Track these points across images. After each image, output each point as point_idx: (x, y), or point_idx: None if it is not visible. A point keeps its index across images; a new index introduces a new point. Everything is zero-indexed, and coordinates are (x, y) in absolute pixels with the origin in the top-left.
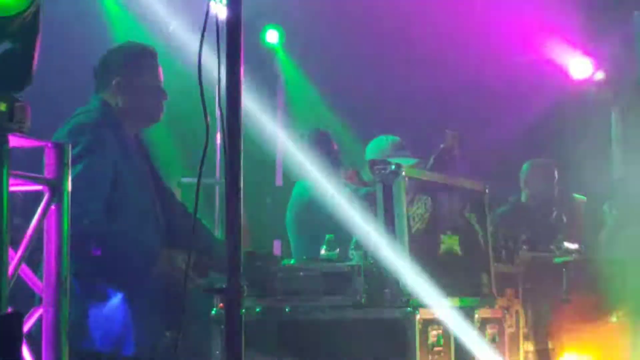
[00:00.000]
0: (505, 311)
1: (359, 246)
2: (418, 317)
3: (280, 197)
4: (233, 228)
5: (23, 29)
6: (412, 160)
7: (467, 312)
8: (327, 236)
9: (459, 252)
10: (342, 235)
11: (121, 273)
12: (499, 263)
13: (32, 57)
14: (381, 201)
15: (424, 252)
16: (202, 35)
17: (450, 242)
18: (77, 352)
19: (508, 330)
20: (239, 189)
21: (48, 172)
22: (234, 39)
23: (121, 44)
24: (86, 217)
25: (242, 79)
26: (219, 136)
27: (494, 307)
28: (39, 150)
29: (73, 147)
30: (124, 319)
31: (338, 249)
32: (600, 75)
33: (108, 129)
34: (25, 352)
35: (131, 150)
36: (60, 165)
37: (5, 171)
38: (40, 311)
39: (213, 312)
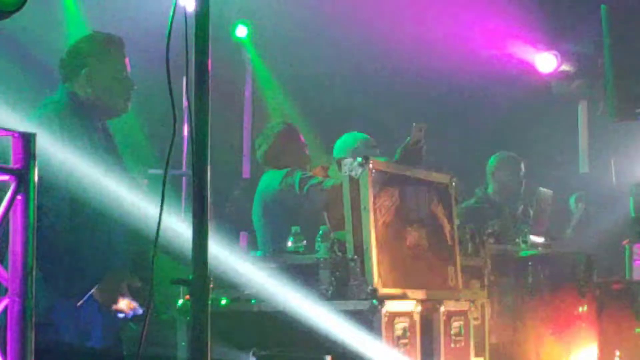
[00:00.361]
0: (471, 304)
1: (325, 238)
2: (384, 309)
3: (247, 189)
4: (199, 220)
5: None
6: (384, 159)
7: (433, 304)
8: (293, 228)
9: (425, 245)
10: (308, 228)
11: (84, 266)
12: (465, 256)
13: None
14: (348, 193)
15: (390, 245)
16: (170, 27)
17: (416, 235)
18: (43, 344)
19: (474, 323)
20: (206, 181)
21: (15, 162)
22: (201, 31)
23: (89, 35)
24: (52, 210)
25: (210, 70)
26: (186, 127)
27: (459, 299)
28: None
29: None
30: (90, 311)
31: (304, 241)
32: (567, 69)
33: (75, 119)
34: None
35: (98, 141)
36: (27, 155)
37: None
38: (5, 301)
39: (179, 304)
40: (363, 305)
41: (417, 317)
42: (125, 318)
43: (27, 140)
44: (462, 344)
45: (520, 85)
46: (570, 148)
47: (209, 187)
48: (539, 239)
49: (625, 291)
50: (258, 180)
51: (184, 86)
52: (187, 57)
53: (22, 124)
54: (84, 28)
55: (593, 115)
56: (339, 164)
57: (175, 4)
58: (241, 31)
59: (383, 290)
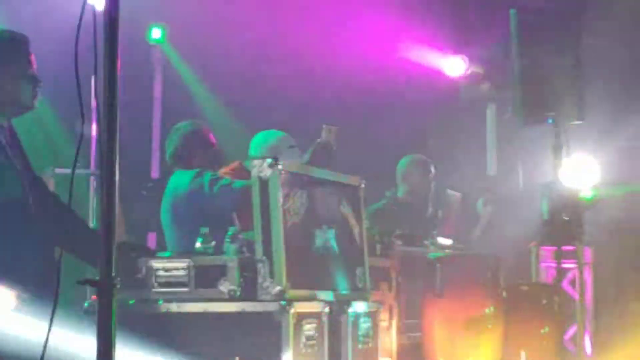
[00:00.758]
0: (379, 305)
1: (234, 240)
2: (292, 310)
3: (155, 189)
4: (107, 219)
5: None
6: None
7: (342, 305)
8: (202, 229)
9: (334, 247)
10: (217, 229)
11: None
12: (373, 257)
13: None
14: (257, 194)
15: (299, 246)
16: (79, 26)
17: (325, 237)
18: None
19: (381, 324)
20: (114, 181)
21: None
22: (111, 30)
23: None
24: None
25: (119, 70)
26: (94, 127)
27: (368, 301)
28: None
29: None
30: None
31: (213, 242)
32: (475, 73)
33: None
34: None
35: (3, 141)
36: None
37: None
38: None
39: (86, 304)
40: (272, 306)
41: (325, 319)
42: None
43: None
44: (370, 345)
45: (430, 88)
46: (479, 150)
47: (117, 186)
48: (447, 241)
49: (531, 293)
50: (167, 181)
51: (92, 85)
52: (97, 56)
53: None
54: None
55: (501, 119)
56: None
57: (85, 2)
58: (156, 33)
59: (291, 292)
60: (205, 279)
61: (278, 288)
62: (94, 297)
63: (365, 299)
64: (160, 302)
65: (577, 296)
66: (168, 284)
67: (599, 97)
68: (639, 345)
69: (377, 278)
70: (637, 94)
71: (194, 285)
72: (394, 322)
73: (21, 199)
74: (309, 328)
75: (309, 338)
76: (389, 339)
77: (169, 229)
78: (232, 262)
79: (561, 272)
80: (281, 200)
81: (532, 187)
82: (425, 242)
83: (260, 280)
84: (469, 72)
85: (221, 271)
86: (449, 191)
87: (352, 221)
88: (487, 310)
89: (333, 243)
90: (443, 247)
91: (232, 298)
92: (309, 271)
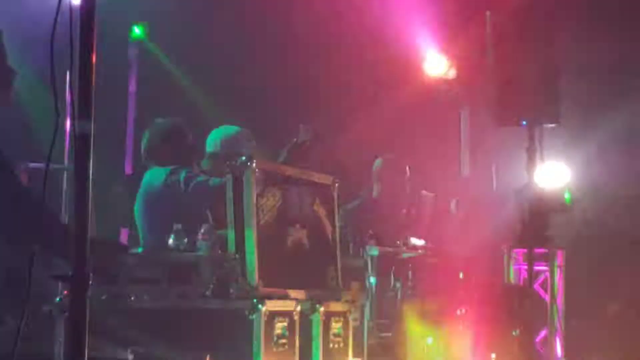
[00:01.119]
0: (351, 305)
1: (207, 237)
2: (264, 308)
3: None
4: (80, 214)
5: None
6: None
7: (313, 304)
8: (175, 226)
9: (307, 245)
10: (191, 225)
11: None
12: (346, 257)
13: None
14: (231, 192)
15: (272, 244)
16: (56, 20)
17: (298, 235)
18: None
19: (353, 324)
20: (87, 176)
21: None
22: (86, 24)
23: None
24: None
25: (94, 65)
26: (68, 122)
27: (340, 300)
28: None
29: None
30: None
31: (186, 239)
32: (452, 75)
33: None
34: None
35: None
36: None
37: None
38: None
39: (57, 299)
40: (243, 304)
41: (296, 317)
42: None
43: None
44: (341, 344)
45: (406, 90)
46: (453, 152)
47: (90, 182)
48: (420, 242)
49: (503, 295)
50: (140, 177)
51: (67, 80)
52: (72, 51)
53: None
54: None
55: (476, 121)
56: (212, 157)
57: None
58: (137, 30)
59: (264, 290)
60: (177, 275)
61: (250, 286)
62: (65, 292)
63: (337, 298)
64: (132, 297)
65: (548, 298)
66: (140, 280)
67: (572, 100)
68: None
69: (349, 277)
70: (610, 98)
71: (166, 281)
72: (365, 322)
73: None
74: (280, 326)
75: (279, 337)
76: (360, 339)
77: (142, 225)
78: (204, 259)
79: (533, 275)
80: (255, 198)
81: (505, 189)
82: (398, 242)
83: (232, 277)
84: (445, 75)
85: (194, 268)
86: (423, 192)
87: (326, 220)
88: (458, 312)
89: (305, 241)
90: (416, 247)
91: (204, 295)
92: (281, 269)
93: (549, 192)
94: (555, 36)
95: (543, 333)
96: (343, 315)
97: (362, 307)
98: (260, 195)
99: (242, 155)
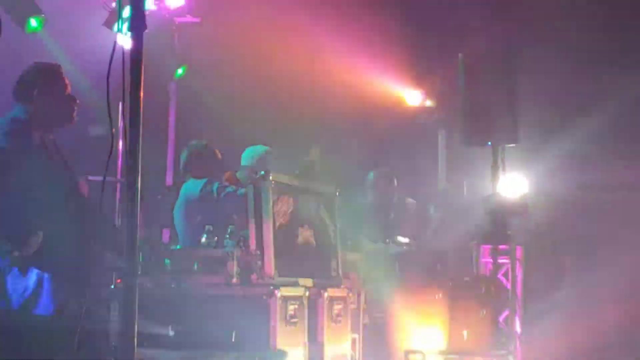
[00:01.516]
0: (349, 291)
1: (233, 236)
2: (279, 294)
3: (169, 194)
4: (131, 217)
5: None
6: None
7: (319, 291)
8: (207, 227)
9: (313, 243)
10: (219, 227)
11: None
12: (345, 252)
13: None
14: (252, 200)
15: (285, 243)
16: (110, 63)
17: (306, 235)
18: None
19: (351, 307)
20: (136, 187)
21: None
22: (136, 65)
23: (33, 65)
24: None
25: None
26: (121, 143)
27: (340, 287)
28: None
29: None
30: (35, 284)
31: (216, 238)
32: (429, 104)
33: (34, 133)
34: None
35: (51, 151)
36: None
37: None
38: None
39: (112, 286)
40: (262, 290)
41: (305, 301)
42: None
43: None
44: (341, 323)
45: (392, 115)
46: (432, 167)
47: (139, 191)
48: (405, 240)
49: (472, 283)
50: (179, 188)
51: (120, 110)
52: (124, 87)
53: None
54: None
55: (450, 142)
56: (246, 169)
57: (115, 45)
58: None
59: (278, 279)
60: (208, 267)
61: (268, 275)
62: (118, 280)
63: (338, 286)
64: (173, 285)
65: (509, 286)
66: (179, 271)
67: (530, 123)
68: (561, 325)
69: (348, 269)
70: (562, 120)
71: (200, 272)
72: (361, 305)
73: (63, 201)
74: (292, 308)
75: (292, 316)
76: (357, 319)
77: (181, 226)
78: (231, 254)
79: (497, 266)
80: (271, 205)
81: (474, 198)
82: (387, 240)
83: (253, 269)
84: (424, 103)
85: (222, 262)
86: (408, 199)
87: (328, 222)
88: (436, 297)
89: (312, 240)
90: (401, 244)
91: (230, 283)
92: (292, 262)
93: (510, 199)
94: (515, 72)
95: (505, 313)
96: (343, 299)
97: (359, 292)
98: (275, 202)
99: (266, 170)
